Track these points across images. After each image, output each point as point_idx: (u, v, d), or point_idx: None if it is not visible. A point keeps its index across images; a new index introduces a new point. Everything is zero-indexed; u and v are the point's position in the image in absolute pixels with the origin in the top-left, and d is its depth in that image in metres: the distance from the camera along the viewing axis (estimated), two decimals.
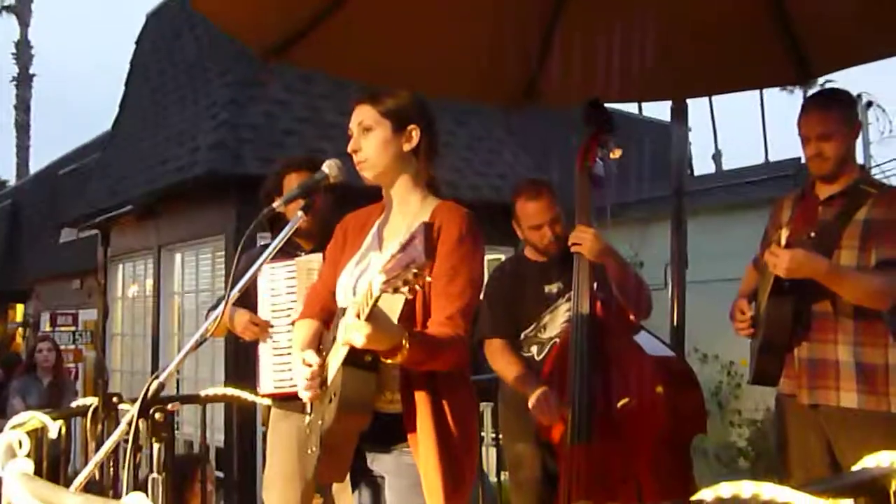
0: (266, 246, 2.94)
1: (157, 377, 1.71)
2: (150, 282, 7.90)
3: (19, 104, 31.19)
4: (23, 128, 31.12)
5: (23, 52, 30.70)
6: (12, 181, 29.39)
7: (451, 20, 3.15)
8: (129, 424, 1.65)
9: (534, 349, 2.98)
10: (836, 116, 2.56)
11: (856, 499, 1.23)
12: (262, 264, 1.89)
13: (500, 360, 2.97)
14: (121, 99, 9.09)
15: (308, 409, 2.11)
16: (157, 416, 1.69)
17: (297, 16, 2.97)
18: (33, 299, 14.12)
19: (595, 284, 2.78)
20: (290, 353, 2.75)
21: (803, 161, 2.74)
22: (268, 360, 2.82)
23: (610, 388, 2.69)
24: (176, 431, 6.63)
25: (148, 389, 1.69)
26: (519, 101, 3.80)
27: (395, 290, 1.59)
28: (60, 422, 2.55)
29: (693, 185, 7.79)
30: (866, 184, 2.57)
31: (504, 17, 3.19)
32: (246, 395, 3.04)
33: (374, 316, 1.72)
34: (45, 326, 11.01)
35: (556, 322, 2.96)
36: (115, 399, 2.00)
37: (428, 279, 1.62)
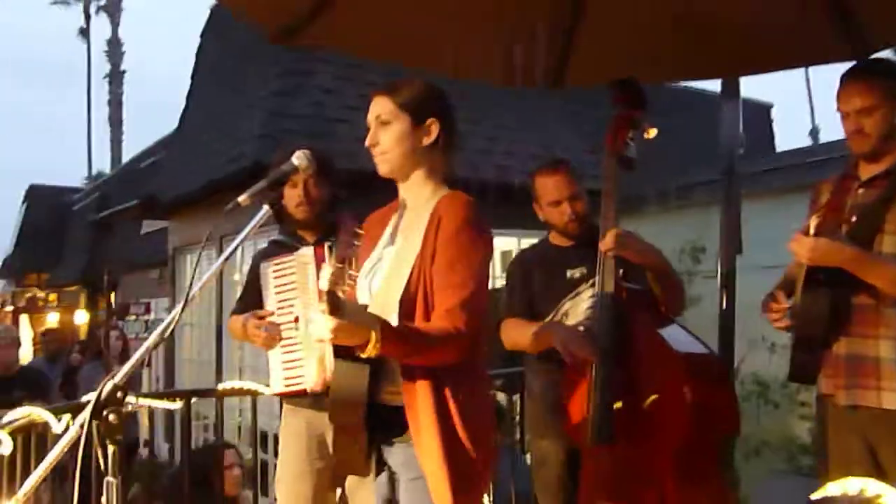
0: (275, 241, 2.93)
1: (111, 378, 1.67)
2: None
3: (112, 100, 32.56)
4: (115, 123, 32.48)
5: (114, 49, 31.99)
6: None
7: None
8: (82, 427, 1.61)
9: None
10: (878, 89, 2.32)
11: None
12: (224, 261, 1.82)
13: (513, 330, 2.85)
14: (187, 92, 9.28)
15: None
16: (111, 417, 1.65)
17: None
18: (119, 289, 14.68)
19: (622, 272, 2.63)
20: (296, 350, 2.71)
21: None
22: (276, 357, 2.77)
23: (634, 386, 2.53)
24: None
25: (101, 391, 1.65)
26: (548, 82, 3.63)
27: (336, 286, 1.59)
28: (68, 416, 2.57)
29: (770, 163, 7.43)
30: None
31: None
32: (263, 389, 3.01)
33: (339, 310, 1.66)
34: (126, 316, 11.42)
35: (578, 309, 2.81)
36: (119, 393, 1.98)
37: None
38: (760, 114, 12.14)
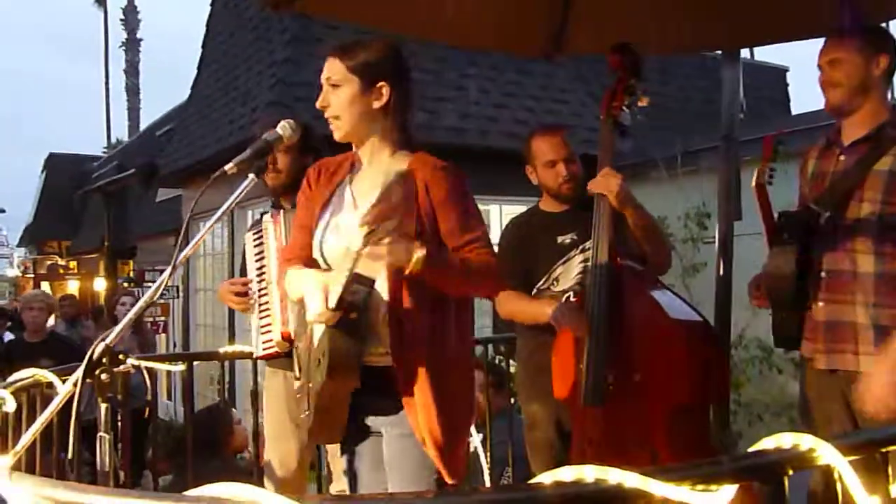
0: (263, 211, 3.00)
1: (103, 339, 1.73)
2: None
3: (129, 68, 32.60)
4: (133, 91, 32.55)
5: (130, 17, 31.95)
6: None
7: None
8: (74, 385, 1.69)
9: None
10: (851, 43, 2.35)
11: (748, 483, 1.12)
12: (208, 230, 1.88)
13: (508, 303, 2.90)
14: (199, 61, 9.31)
15: (296, 371, 2.10)
16: (103, 377, 1.72)
17: None
18: (136, 256, 14.83)
19: (614, 236, 2.66)
20: (269, 315, 2.79)
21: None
22: (255, 322, 2.86)
23: (626, 349, 2.57)
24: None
25: (94, 351, 1.72)
26: (548, 51, 3.63)
27: (378, 242, 1.72)
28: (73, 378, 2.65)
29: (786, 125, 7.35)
30: (894, 128, 2.33)
31: None
32: None
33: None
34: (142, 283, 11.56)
35: (569, 274, 2.85)
36: (120, 356, 2.05)
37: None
38: (776, 77, 12.01)
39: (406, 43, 2.21)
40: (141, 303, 1.83)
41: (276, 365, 2.89)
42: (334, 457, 2.34)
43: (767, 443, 1.08)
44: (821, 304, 2.34)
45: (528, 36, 3.54)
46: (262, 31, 7.35)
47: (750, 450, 1.11)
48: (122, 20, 31.92)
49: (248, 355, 3.03)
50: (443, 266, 1.91)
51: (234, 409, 3.93)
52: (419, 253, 1.83)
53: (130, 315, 1.79)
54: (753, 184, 2.58)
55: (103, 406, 1.72)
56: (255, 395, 3.06)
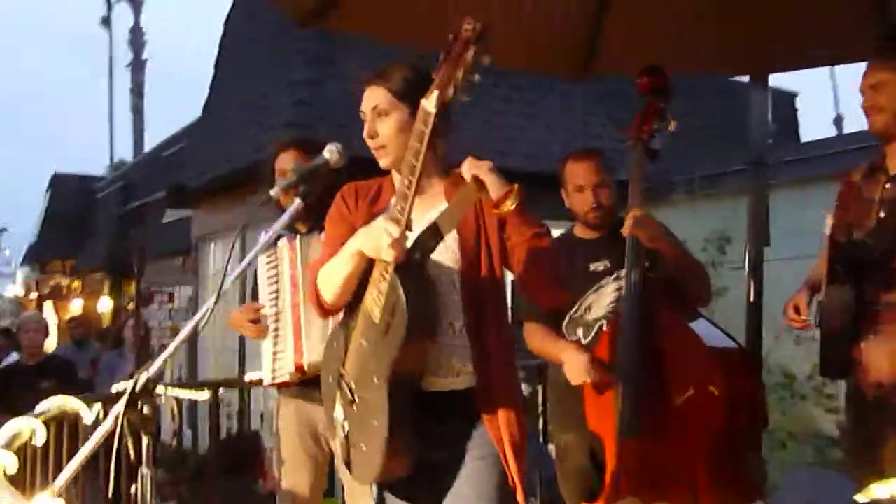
0: (279, 234, 2.92)
1: (145, 370, 1.67)
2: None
3: (134, 88, 32.68)
4: (138, 111, 32.60)
5: (136, 38, 32.11)
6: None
7: None
8: (116, 420, 1.62)
9: (580, 332, 2.82)
10: (894, 66, 2.32)
11: None
12: (256, 255, 1.82)
13: (536, 340, 2.86)
14: (211, 80, 9.31)
15: (332, 409, 2.00)
16: (145, 409, 1.66)
17: None
18: (143, 277, 14.78)
19: (647, 264, 2.61)
20: (281, 341, 2.71)
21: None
22: (267, 348, 2.77)
23: (663, 380, 2.51)
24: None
25: (136, 383, 1.65)
26: (578, 72, 3.59)
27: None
28: (99, 406, 2.59)
29: (794, 153, 7.32)
30: None
31: None
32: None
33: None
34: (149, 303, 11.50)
35: (602, 302, 2.79)
36: (150, 385, 1.99)
37: None
38: (785, 102, 12.00)
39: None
40: (183, 333, 1.76)
41: (288, 393, 2.83)
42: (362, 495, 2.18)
43: (879, 491, 1.02)
44: (871, 335, 2.29)
45: (559, 57, 3.52)
46: (280, 50, 7.34)
47: (860, 498, 1.05)
48: (128, 41, 32.07)
49: (284, 383, 2.93)
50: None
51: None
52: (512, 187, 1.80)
53: (175, 344, 1.72)
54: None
55: (144, 439, 1.66)
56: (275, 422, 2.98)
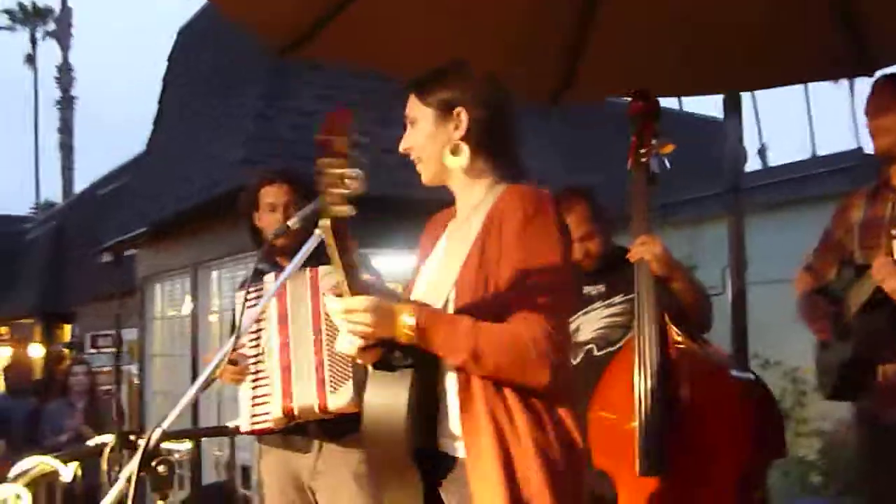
0: (256, 269, 2.73)
1: (159, 426, 1.50)
2: (187, 300, 7.79)
3: (63, 126, 31.85)
4: (67, 149, 31.75)
5: (64, 75, 31.36)
6: (60, 203, 29.98)
7: (480, 8, 2.90)
8: (128, 482, 1.44)
9: None
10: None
11: None
12: (273, 294, 1.67)
13: None
14: (154, 118, 9.04)
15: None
16: (160, 469, 1.48)
17: (317, 4, 2.76)
18: (78, 321, 14.22)
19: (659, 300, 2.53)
20: (264, 385, 2.54)
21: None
22: (245, 392, 2.58)
23: (683, 412, 2.40)
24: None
25: (149, 440, 1.48)
26: (553, 98, 3.55)
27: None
28: (75, 464, 2.38)
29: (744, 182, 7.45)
30: None
31: (537, 4, 2.97)
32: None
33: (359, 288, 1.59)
34: (88, 348, 11.01)
35: (590, 326, 2.73)
36: (132, 437, 1.81)
37: None
38: (711, 130, 12.26)
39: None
40: (200, 380, 1.59)
41: (268, 442, 2.67)
42: None
43: None
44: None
45: (536, 83, 3.46)
46: (228, 86, 7.15)
47: None
48: (56, 78, 31.28)
49: (265, 430, 2.74)
50: (450, 337, 1.58)
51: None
52: (407, 319, 1.57)
53: (192, 392, 1.55)
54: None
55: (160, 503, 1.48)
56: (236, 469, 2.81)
